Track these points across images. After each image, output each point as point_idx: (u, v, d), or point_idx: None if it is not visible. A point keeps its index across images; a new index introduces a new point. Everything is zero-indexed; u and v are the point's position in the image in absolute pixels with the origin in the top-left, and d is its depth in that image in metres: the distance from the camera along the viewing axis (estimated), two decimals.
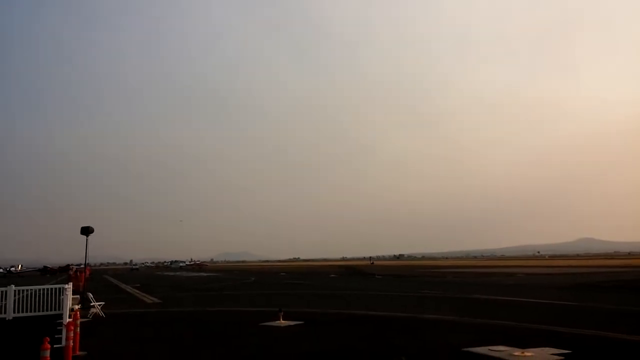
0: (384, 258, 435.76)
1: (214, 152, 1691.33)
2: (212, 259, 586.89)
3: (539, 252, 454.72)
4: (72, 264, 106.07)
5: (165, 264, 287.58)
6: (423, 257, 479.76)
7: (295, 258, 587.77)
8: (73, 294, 19.96)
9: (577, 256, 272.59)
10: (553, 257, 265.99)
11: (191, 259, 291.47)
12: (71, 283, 20.21)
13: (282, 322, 18.16)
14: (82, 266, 29.58)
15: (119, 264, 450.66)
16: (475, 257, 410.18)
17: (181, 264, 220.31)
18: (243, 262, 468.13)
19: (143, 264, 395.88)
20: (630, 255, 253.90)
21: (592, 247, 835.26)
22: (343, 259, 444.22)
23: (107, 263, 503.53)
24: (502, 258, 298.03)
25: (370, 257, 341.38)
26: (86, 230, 26.74)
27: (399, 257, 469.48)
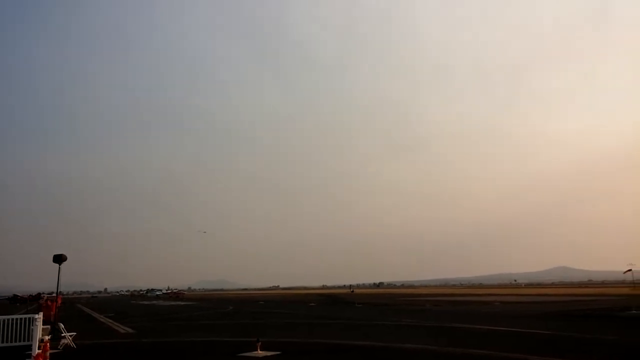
0: (364, 286, 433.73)
1: (191, 176, 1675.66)
2: (189, 287, 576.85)
3: (515, 280, 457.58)
4: (43, 293, 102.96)
5: (142, 292, 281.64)
6: (402, 285, 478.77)
7: (274, 286, 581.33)
8: (44, 324, 19.39)
9: (553, 284, 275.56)
10: (529, 285, 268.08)
11: (168, 287, 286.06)
12: (42, 312, 19.65)
13: (260, 353, 17.87)
14: (54, 295, 28.74)
15: (93, 293, 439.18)
16: (453, 285, 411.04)
17: (158, 293, 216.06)
18: (221, 290, 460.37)
19: (118, 292, 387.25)
20: (603, 283, 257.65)
21: (567, 275, 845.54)
22: (323, 287, 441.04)
23: (81, 292, 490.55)
24: (480, 286, 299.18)
25: (350, 285, 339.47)
26: (59, 258, 26.13)
27: (378, 285, 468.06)
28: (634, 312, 37.73)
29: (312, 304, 70.74)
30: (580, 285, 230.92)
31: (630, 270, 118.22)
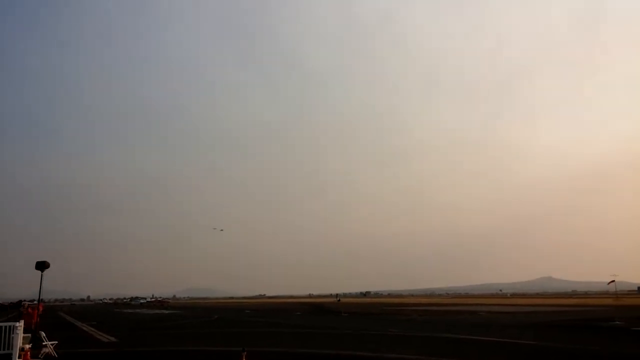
0: (350, 295, 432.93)
1: (178, 183, 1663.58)
2: (174, 295, 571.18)
3: (501, 290, 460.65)
4: (24, 300, 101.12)
5: (125, 300, 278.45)
6: (389, 295, 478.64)
7: (261, 295, 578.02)
8: (24, 332, 19.05)
9: (537, 295, 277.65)
10: (514, 295, 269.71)
11: (152, 296, 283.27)
12: (23, 320, 19.31)
13: None
14: (35, 302, 28.27)
15: (75, 300, 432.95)
16: (440, 295, 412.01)
17: (142, 301, 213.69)
18: (207, 298, 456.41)
19: (101, 300, 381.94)
20: (587, 294, 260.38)
21: (552, 285, 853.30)
22: (309, 296, 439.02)
23: (63, 299, 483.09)
24: (466, 296, 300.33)
25: (336, 294, 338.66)
26: (42, 265, 25.69)
27: (365, 294, 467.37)
28: (617, 323, 38.15)
29: (298, 313, 70.40)
30: (565, 295, 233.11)
31: (613, 281, 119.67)
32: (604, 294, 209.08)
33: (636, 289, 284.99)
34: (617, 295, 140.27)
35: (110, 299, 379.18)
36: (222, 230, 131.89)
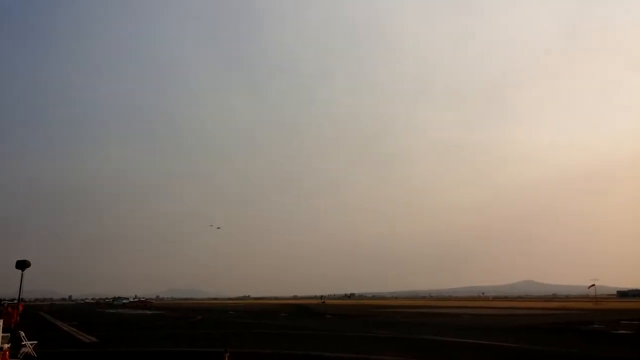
0: (335, 297, 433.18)
1: (161, 185, 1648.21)
2: (158, 296, 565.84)
3: (483, 293, 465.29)
4: (4, 299, 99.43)
5: (107, 300, 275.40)
6: (373, 297, 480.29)
7: (245, 296, 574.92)
8: (3, 332, 18.78)
9: (519, 298, 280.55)
10: (496, 298, 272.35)
11: (135, 296, 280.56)
12: (2, 320, 19.02)
13: None
14: (15, 301, 27.85)
15: (56, 300, 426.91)
16: (423, 297, 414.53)
17: (124, 301, 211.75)
18: (191, 299, 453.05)
19: (83, 300, 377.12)
20: (567, 298, 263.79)
21: (533, 289, 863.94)
22: (294, 298, 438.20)
23: (44, 299, 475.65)
24: (449, 298, 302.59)
25: (321, 296, 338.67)
26: (22, 264, 25.30)
27: (350, 296, 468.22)
28: (596, 326, 38.74)
29: (283, 315, 70.28)
30: (546, 299, 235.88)
31: (593, 285, 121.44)
32: (584, 298, 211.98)
33: (615, 293, 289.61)
34: (597, 299, 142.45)
35: (92, 299, 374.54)
36: (219, 228, 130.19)
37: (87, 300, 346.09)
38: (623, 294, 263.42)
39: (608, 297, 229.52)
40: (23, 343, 21.33)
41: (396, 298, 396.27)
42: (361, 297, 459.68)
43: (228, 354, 18.34)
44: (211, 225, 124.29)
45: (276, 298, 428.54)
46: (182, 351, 23.93)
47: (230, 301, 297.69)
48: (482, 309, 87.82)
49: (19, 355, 20.25)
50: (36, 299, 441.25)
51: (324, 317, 62.11)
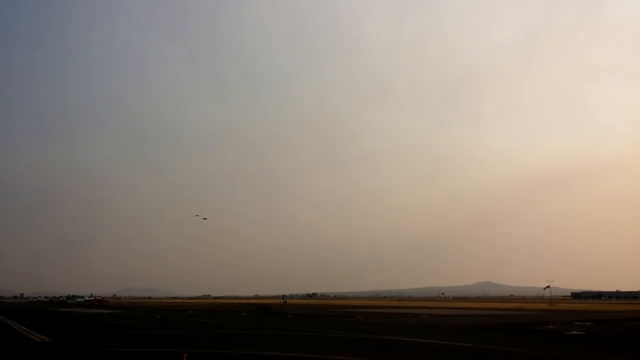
0: (297, 296, 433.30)
1: (122, 180, 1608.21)
2: (115, 295, 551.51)
3: (443, 293, 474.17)
4: None
5: (62, 299, 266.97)
6: (335, 296, 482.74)
7: (205, 295, 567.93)
8: None
9: (477, 299, 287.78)
10: (456, 298, 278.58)
11: (91, 294, 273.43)
12: None
13: None
14: None
15: (7, 298, 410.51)
16: (384, 297, 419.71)
17: (79, 300, 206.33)
18: (149, 298, 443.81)
19: (36, 298, 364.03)
20: (524, 299, 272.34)
21: (491, 290, 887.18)
22: (256, 297, 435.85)
23: None
24: (410, 299, 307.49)
25: (283, 295, 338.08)
26: None
27: (311, 295, 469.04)
28: (551, 327, 40.05)
29: (244, 314, 69.76)
30: (503, 299, 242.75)
31: (548, 287, 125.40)
32: (540, 299, 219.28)
33: (569, 294, 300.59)
34: (551, 300, 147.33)
35: (45, 297, 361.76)
36: (205, 219, 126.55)
37: (40, 299, 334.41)
38: (576, 296, 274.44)
39: (562, 299, 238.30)
40: None
41: (358, 298, 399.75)
42: (323, 296, 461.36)
43: (186, 354, 18.02)
44: (197, 216, 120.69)
45: (237, 297, 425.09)
46: (139, 352, 23.37)
47: (190, 300, 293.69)
48: (442, 310, 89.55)
49: None
50: None
51: (285, 317, 61.97)
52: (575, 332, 34.41)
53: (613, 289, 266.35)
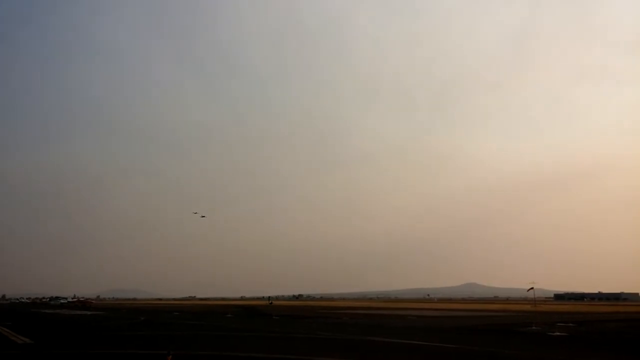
0: (283, 298, 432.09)
1: (107, 179, 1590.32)
2: (98, 296, 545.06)
3: (428, 294, 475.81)
4: None
5: (44, 300, 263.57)
6: (322, 298, 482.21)
7: (191, 296, 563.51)
8: None
9: (462, 300, 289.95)
10: (441, 300, 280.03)
11: (74, 296, 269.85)
12: None
13: None
14: None
15: None
16: (371, 299, 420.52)
17: (62, 301, 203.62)
18: (134, 299, 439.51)
19: (18, 299, 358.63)
20: (508, 300, 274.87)
21: (476, 291, 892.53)
22: (242, 299, 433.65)
23: None
24: (396, 300, 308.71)
25: (269, 297, 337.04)
26: None
27: (298, 297, 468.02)
28: (534, 328, 40.48)
29: (229, 316, 69.42)
30: (488, 301, 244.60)
31: (532, 288, 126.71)
32: (524, 300, 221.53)
33: (552, 296, 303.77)
34: (535, 302, 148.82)
35: (28, 299, 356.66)
36: (203, 216, 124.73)
37: (23, 300, 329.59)
38: (559, 297, 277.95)
39: (546, 300, 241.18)
40: None
41: (344, 299, 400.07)
42: (309, 298, 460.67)
43: (171, 356, 17.90)
44: (195, 213, 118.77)
45: (223, 299, 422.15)
46: (122, 353, 23.15)
47: (176, 302, 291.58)
48: (427, 311, 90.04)
49: None
50: None
51: (271, 318, 61.82)
52: (558, 333, 34.84)
53: (595, 291, 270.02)
